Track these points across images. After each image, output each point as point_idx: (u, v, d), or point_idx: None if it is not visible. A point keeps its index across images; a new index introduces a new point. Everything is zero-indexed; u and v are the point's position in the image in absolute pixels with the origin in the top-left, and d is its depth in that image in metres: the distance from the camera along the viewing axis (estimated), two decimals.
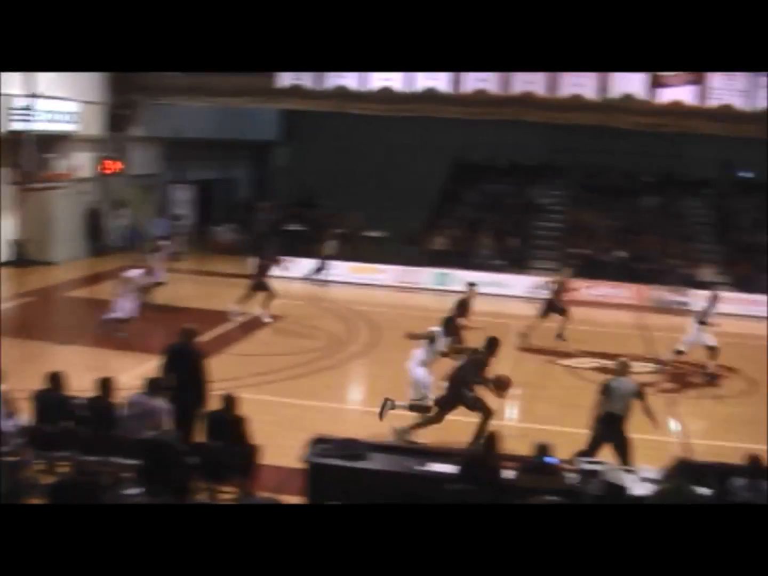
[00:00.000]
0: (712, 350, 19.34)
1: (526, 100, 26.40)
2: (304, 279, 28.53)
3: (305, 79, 27.72)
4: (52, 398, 11.30)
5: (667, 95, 24.56)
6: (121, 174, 32.61)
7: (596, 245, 31.52)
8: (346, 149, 38.70)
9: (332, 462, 10.72)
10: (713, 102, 24.67)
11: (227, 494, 10.81)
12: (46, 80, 26.50)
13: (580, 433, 13.62)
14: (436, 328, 14.69)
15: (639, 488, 10.18)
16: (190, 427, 11.54)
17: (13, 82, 25.78)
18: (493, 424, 13.29)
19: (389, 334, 21.56)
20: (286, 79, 27.75)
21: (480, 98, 26.50)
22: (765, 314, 27.02)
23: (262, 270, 22.46)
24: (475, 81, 26.28)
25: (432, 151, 37.19)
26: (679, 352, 19.54)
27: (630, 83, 25.32)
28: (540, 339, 21.48)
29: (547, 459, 10.45)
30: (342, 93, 27.98)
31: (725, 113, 25.60)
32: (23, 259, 28.99)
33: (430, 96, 27.41)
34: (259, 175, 43.91)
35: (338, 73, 26.92)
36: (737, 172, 39.12)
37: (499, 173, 37.06)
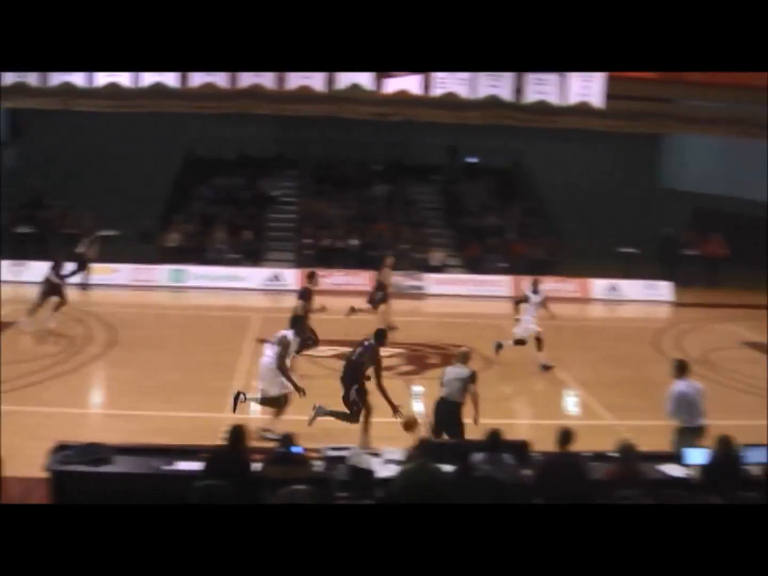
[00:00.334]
0: (539, 340, 19.81)
1: (255, 92, 26.25)
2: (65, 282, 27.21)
3: (30, 77, 26.50)
4: None
5: (393, 85, 25.01)
6: None
7: (330, 235, 31.84)
8: (76, 148, 37.34)
9: (75, 468, 10.33)
10: (438, 91, 25.32)
11: None
12: None
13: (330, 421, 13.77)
14: (287, 332, 14.61)
15: (385, 470, 10.33)
16: None
17: None
18: (237, 417, 13.19)
19: (126, 334, 21.12)
20: (8, 77, 26.42)
21: (208, 92, 26.14)
22: (494, 294, 28.15)
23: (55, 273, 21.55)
24: (203, 75, 25.90)
25: (163, 146, 36.43)
26: (518, 342, 19.90)
27: (356, 74, 25.64)
28: (278, 330, 21.51)
29: (293, 449, 10.42)
30: (68, 90, 26.92)
31: (450, 101, 26.37)
32: None
33: (157, 91, 26.80)
34: None
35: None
36: (463, 157, 40.54)
37: (230, 167, 36.81)
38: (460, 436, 12.64)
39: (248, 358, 19.03)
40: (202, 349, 20.41)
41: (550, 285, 28.57)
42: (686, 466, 11.00)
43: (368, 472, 10.30)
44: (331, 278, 28.93)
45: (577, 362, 20.77)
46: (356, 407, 13.79)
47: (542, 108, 26.68)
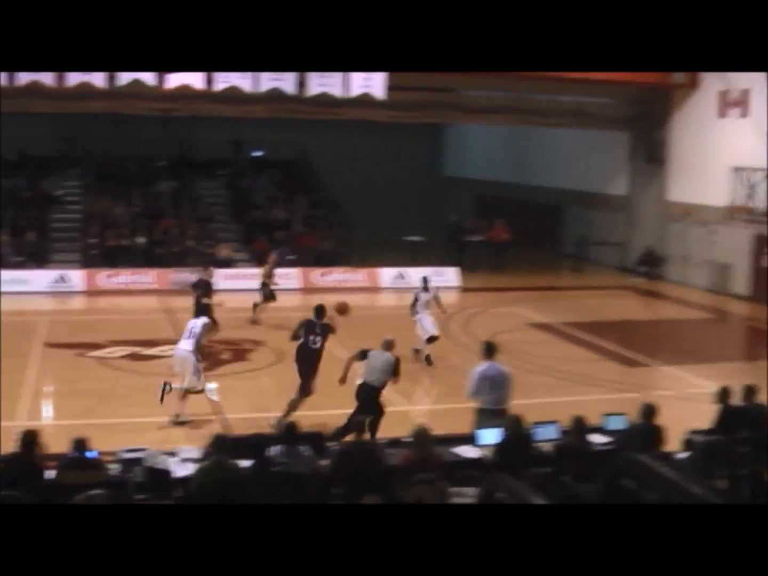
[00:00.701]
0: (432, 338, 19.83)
1: (34, 90, 25.45)
2: None
3: None
4: None
5: (175, 80, 24.73)
6: None
7: (116, 233, 31.22)
8: None
9: None
10: (221, 85, 25.22)
11: None
12: None
13: (119, 423, 13.60)
14: (200, 320, 15.36)
15: (182, 469, 10.30)
16: None
17: None
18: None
19: None
20: None
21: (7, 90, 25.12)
22: (283, 287, 28.26)
23: None
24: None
25: None
26: (431, 339, 19.84)
27: None
28: (66, 333, 21.06)
29: (87, 453, 10.25)
30: None
31: (233, 95, 26.33)
32: None
33: None
34: None
35: None
36: (249, 151, 40.49)
37: (11, 167, 35.47)
38: (379, 417, 13.24)
39: (37, 363, 18.56)
40: None
41: (339, 276, 29.01)
42: (480, 446, 11.37)
43: (165, 473, 10.24)
44: (118, 277, 28.43)
45: None
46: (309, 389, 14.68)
47: (326, 100, 26.96)
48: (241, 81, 24.99)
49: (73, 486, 9.26)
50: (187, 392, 14.79)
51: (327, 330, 14.72)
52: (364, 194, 42.06)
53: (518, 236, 34.57)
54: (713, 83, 28.73)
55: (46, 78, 24.15)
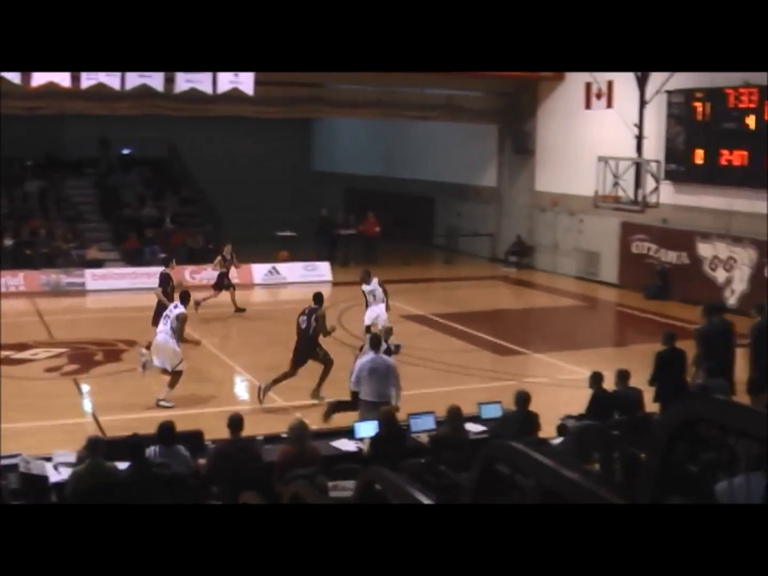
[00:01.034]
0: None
1: None
2: None
3: None
4: None
5: (40, 78, 24.19)
6: None
7: None
8: None
9: None
10: (87, 82, 24.76)
11: None
12: None
13: (24, 426, 13.29)
14: (179, 307, 16.22)
15: (59, 474, 10.12)
16: None
17: None
18: None
19: None
20: None
21: None
22: (154, 285, 27.94)
23: None
24: None
25: None
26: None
27: None
28: None
29: None
30: None
31: (100, 92, 25.88)
32: None
33: None
34: None
35: None
36: (117, 149, 39.87)
37: None
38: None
39: None
40: None
41: (211, 273, 28.76)
42: (357, 440, 11.45)
43: (42, 478, 10.06)
44: None
45: (244, 348, 21.09)
46: (327, 356, 16.06)
47: (194, 97, 26.72)
48: (108, 78, 24.57)
49: None
50: (166, 373, 15.83)
51: (313, 312, 15.98)
52: (234, 190, 41.80)
53: (390, 229, 34.80)
54: (579, 75, 29.33)
55: None
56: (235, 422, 10.34)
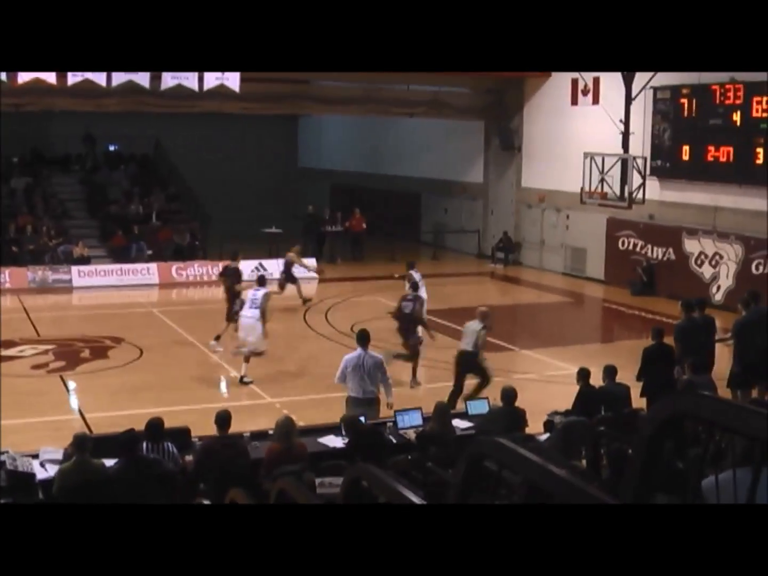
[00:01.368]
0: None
1: None
2: None
3: None
4: None
5: (26, 75, 24.09)
6: None
7: None
8: None
9: None
10: (73, 79, 24.67)
11: None
12: None
13: (11, 423, 13.25)
14: (264, 289, 17.41)
15: (45, 472, 10.10)
16: None
17: None
18: None
19: None
20: None
21: None
22: (142, 282, 27.99)
23: None
24: None
25: None
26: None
27: None
28: None
29: None
30: None
31: (86, 89, 25.79)
32: None
33: None
34: None
35: None
36: (103, 146, 39.79)
37: None
38: (485, 377, 15.03)
39: None
40: None
41: (197, 269, 28.76)
42: (343, 436, 11.44)
43: (28, 475, 10.04)
44: None
45: (231, 344, 21.04)
46: (416, 347, 17.50)
47: (180, 93, 26.67)
48: (95, 75, 24.48)
49: None
50: (252, 354, 16.89)
51: (417, 299, 17.71)
52: (220, 187, 41.78)
53: (376, 226, 34.81)
54: (565, 72, 29.40)
55: None
56: (223, 419, 10.34)
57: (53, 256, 29.19)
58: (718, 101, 24.77)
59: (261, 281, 17.79)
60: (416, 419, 11.81)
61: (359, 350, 12.83)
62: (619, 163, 26.51)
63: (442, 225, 37.32)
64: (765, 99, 23.41)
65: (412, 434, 11.40)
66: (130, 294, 27.15)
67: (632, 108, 27.50)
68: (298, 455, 9.98)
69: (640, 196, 26.04)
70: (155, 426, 10.13)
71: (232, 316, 18.87)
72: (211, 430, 10.48)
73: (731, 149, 24.47)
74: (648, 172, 26.54)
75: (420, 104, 32.71)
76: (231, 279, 20.13)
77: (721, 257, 25.56)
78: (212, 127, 41.18)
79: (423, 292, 19.37)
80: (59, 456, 10.22)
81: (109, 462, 9.65)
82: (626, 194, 26.35)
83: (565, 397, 13.01)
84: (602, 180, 26.94)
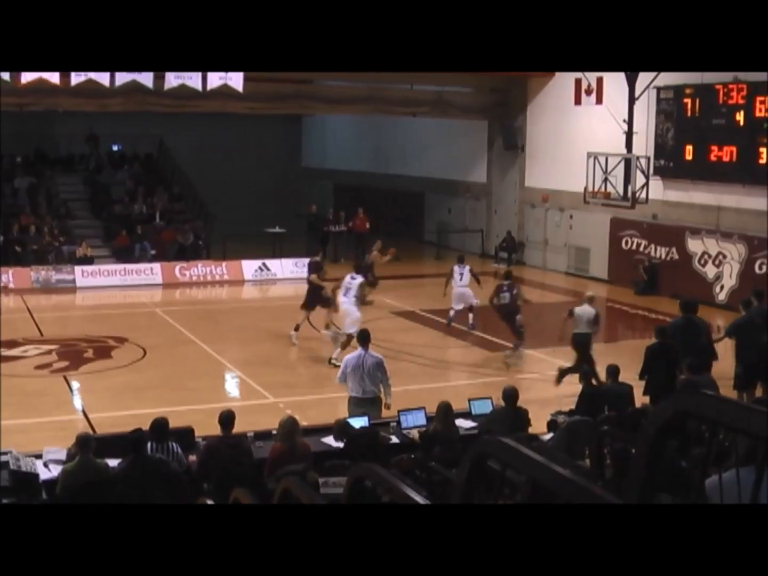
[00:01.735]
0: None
1: None
2: None
3: None
4: None
5: (29, 75, 24.11)
6: None
7: None
8: None
9: None
10: (77, 79, 24.69)
11: None
12: None
13: (15, 423, 13.28)
14: (358, 277, 18.21)
15: (48, 472, 10.11)
16: None
17: None
18: None
19: None
20: None
21: None
22: (145, 282, 28.00)
23: None
24: None
25: None
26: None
27: None
28: None
29: None
30: None
31: (90, 89, 25.81)
32: None
33: None
34: None
35: None
36: (106, 146, 39.81)
37: None
38: (592, 366, 15.11)
39: None
40: None
41: (201, 269, 28.78)
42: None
43: (32, 475, 10.04)
44: None
45: (234, 344, 21.07)
46: (522, 331, 19.11)
47: (184, 93, 26.68)
48: (98, 75, 24.49)
49: None
50: (349, 337, 17.16)
51: (513, 287, 19.04)
52: (224, 187, 41.77)
53: (380, 226, 34.79)
54: (569, 71, 29.38)
55: None
56: (226, 419, 10.33)
57: (57, 256, 29.21)
58: (721, 101, 24.75)
59: (358, 269, 18.88)
60: (420, 419, 11.80)
61: (360, 350, 12.81)
62: (622, 163, 26.48)
63: (446, 225, 37.32)
64: None
65: (415, 434, 11.39)
66: (133, 294, 27.17)
67: (635, 108, 27.47)
68: (302, 455, 9.97)
69: (643, 195, 26.01)
70: (160, 426, 10.13)
71: (331, 303, 19.65)
72: (215, 430, 10.48)
73: (734, 149, 24.45)
74: (651, 171, 26.50)
75: (423, 104, 32.69)
76: (315, 272, 20.84)
77: (725, 257, 25.54)
78: (216, 126, 41.18)
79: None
80: (62, 456, 10.22)
81: (113, 462, 9.66)
82: (629, 194, 26.31)
83: (568, 397, 13.00)
84: (605, 180, 26.91)
